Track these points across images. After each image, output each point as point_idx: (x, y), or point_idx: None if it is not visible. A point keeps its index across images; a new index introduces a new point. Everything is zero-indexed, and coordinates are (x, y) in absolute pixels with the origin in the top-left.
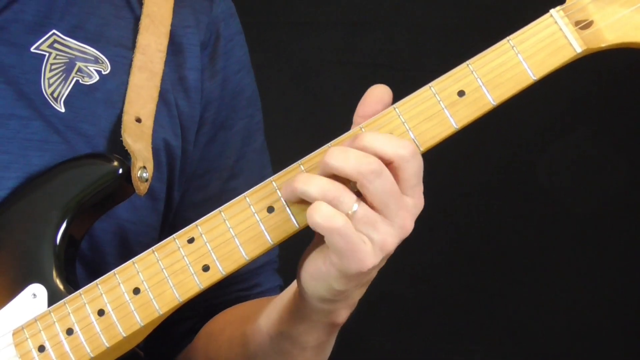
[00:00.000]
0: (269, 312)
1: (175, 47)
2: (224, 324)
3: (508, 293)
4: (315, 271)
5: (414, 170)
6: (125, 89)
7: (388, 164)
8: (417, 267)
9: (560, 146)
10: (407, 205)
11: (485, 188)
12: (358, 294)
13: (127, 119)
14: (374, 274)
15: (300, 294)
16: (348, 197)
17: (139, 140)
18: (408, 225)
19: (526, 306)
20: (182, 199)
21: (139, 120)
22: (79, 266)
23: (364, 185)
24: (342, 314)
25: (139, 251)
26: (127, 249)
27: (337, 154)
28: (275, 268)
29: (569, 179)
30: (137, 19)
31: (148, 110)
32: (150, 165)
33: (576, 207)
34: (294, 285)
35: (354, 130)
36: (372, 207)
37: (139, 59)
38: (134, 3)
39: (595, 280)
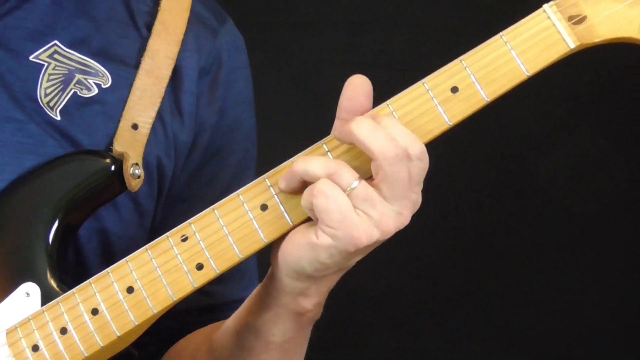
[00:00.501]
0: (236, 312)
1: (173, 71)
2: (189, 341)
3: (507, 292)
4: (304, 241)
5: (420, 170)
6: (125, 104)
7: None
8: (416, 266)
9: (559, 145)
10: (411, 198)
11: (484, 187)
12: (332, 281)
13: (123, 126)
14: (354, 261)
15: (272, 272)
16: (349, 173)
17: (130, 150)
18: (406, 214)
19: (525, 305)
20: (163, 221)
21: (135, 126)
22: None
23: (382, 166)
24: (311, 300)
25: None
26: (110, 260)
27: (366, 127)
28: None
29: (568, 177)
30: (142, 40)
31: (147, 117)
32: (141, 158)
33: (575, 206)
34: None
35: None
36: (377, 188)
37: (147, 62)
38: (141, 23)
39: (594, 279)
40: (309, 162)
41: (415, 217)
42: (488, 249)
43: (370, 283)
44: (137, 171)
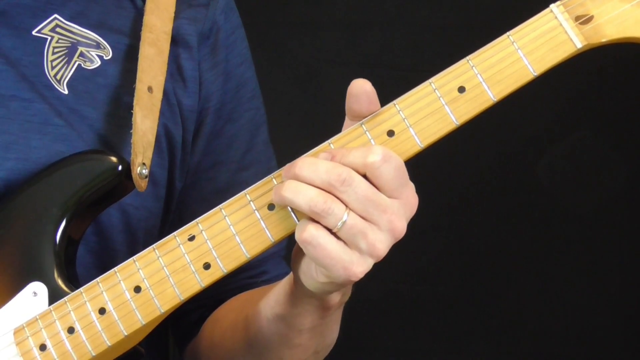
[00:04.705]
0: (268, 296)
1: (172, 39)
2: (228, 310)
3: (508, 293)
4: (308, 273)
5: (389, 173)
6: (125, 76)
7: (363, 174)
8: (418, 267)
9: (561, 145)
10: (393, 208)
11: (484, 187)
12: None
13: (140, 88)
14: None
15: (295, 280)
16: (337, 207)
17: (148, 115)
18: (398, 228)
19: (526, 306)
20: (191, 192)
21: (150, 89)
22: (86, 254)
23: (337, 195)
24: (335, 298)
25: (143, 236)
26: (132, 234)
27: (307, 166)
28: (282, 255)
29: (568, 177)
30: (138, 11)
31: (158, 81)
32: (150, 151)
33: (575, 206)
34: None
35: (352, 128)
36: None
37: (147, 36)
38: None
39: (595, 280)
40: (296, 193)
41: (415, 218)
42: (489, 250)
43: (370, 285)
44: (144, 171)
